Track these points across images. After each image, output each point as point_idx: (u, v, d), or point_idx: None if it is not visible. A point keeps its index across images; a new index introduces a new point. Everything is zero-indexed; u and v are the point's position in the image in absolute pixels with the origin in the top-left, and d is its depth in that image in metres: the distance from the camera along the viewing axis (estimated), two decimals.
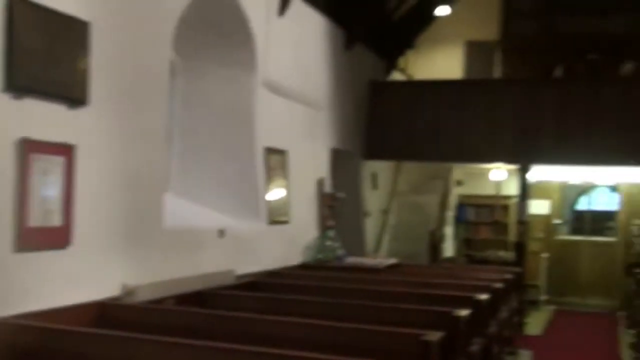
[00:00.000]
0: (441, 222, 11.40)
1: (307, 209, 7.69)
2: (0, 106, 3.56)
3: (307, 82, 7.58)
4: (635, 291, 8.65)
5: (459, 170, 12.00)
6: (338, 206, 8.04)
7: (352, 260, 7.69)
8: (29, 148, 3.68)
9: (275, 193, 6.81)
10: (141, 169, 4.71)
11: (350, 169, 9.33)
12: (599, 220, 12.64)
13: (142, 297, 4.54)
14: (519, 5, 11.11)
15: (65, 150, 3.93)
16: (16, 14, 3.59)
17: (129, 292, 4.47)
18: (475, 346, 4.67)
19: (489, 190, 11.94)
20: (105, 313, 4.22)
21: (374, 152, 9.52)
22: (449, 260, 11.18)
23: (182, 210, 5.68)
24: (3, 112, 3.58)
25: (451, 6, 10.61)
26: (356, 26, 8.56)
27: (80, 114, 4.06)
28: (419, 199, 11.46)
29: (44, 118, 3.82)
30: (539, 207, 11.55)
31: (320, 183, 8.01)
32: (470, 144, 9.16)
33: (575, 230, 12.83)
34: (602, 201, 13.20)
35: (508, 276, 7.05)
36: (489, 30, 11.34)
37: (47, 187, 3.81)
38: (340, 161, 8.80)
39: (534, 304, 11.11)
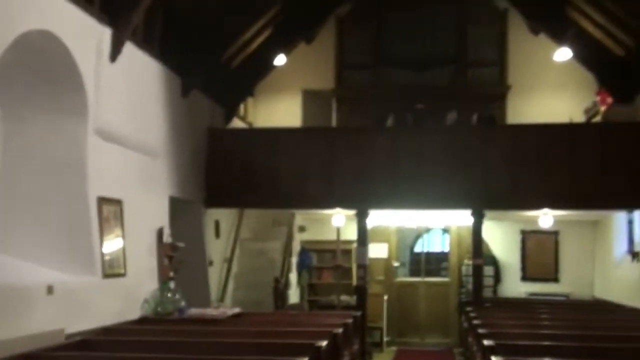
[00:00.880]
0: (285, 268, 11.44)
1: (146, 260, 7.41)
2: None
3: (142, 129, 7.38)
4: (467, 329, 9.05)
5: (301, 217, 12.14)
6: (178, 256, 7.84)
7: (194, 311, 7.50)
8: None
9: (111, 244, 6.52)
10: None
11: (191, 218, 9.16)
12: (435, 262, 13.30)
13: None
14: (351, 58, 11.65)
15: None
16: None
17: None
18: None
19: (331, 236, 12.11)
20: None
21: (215, 199, 9.41)
22: (294, 306, 11.20)
23: (3, 266, 5.28)
24: None
25: (287, 56, 10.83)
26: (192, 73, 8.50)
27: None
28: (263, 245, 11.46)
29: None
30: (378, 250, 11.92)
31: (159, 233, 7.77)
32: (309, 190, 9.34)
33: (414, 272, 13.38)
34: (437, 243, 13.89)
35: (349, 320, 7.17)
36: (325, 80, 11.77)
37: None
38: (181, 209, 8.61)
39: (377, 345, 11.36)
